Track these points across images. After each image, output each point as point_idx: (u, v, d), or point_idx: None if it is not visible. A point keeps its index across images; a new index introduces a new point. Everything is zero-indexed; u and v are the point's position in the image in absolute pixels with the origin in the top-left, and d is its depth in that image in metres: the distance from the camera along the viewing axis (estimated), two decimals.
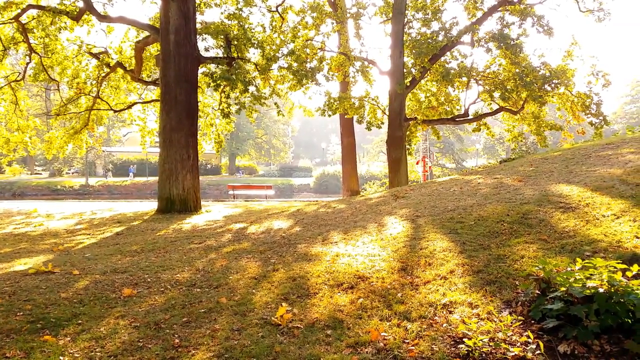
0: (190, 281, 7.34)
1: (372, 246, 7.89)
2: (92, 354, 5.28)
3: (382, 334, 5.06)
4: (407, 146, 23.91)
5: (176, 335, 5.56)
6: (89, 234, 12.06)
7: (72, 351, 5.37)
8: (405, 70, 22.10)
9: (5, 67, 20.94)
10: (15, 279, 7.81)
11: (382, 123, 25.42)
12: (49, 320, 6.13)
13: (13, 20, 18.37)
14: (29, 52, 19.65)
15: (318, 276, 6.88)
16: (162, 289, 7.04)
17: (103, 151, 54.91)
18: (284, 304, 6.07)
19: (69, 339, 5.66)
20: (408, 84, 22.24)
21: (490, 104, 24.04)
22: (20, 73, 21.13)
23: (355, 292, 6.21)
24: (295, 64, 21.13)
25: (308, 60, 23.00)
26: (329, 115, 24.40)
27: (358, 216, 10.53)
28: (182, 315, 6.06)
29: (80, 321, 6.08)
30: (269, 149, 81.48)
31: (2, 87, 20.11)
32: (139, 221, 13.99)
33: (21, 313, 6.40)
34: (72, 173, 61.45)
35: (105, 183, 49.68)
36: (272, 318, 5.71)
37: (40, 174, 63.60)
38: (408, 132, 23.66)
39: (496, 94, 22.41)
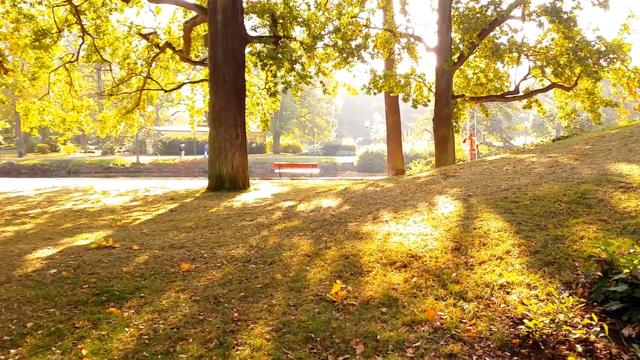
0: (245, 257, 7.52)
1: (424, 225, 7.86)
2: (156, 325, 5.52)
3: (438, 313, 5.08)
4: (454, 124, 23.47)
5: (235, 310, 5.74)
6: (145, 211, 12.48)
7: (136, 323, 5.63)
8: (452, 47, 21.61)
9: (60, 49, 21.60)
10: (79, 253, 8.19)
11: (429, 101, 25.01)
12: (112, 293, 6.43)
13: (66, 3, 18.90)
14: (81, 33, 20.20)
15: (370, 254, 6.93)
16: (219, 265, 7.25)
17: (155, 131, 56.28)
18: (338, 281, 6.16)
19: (132, 311, 5.93)
20: (456, 61, 21.75)
21: (542, 80, 23.26)
22: (73, 54, 21.78)
23: (408, 271, 6.23)
24: (340, 42, 20.98)
25: (353, 37, 22.76)
26: (374, 94, 24.18)
27: (407, 195, 10.49)
28: (240, 290, 6.24)
29: (142, 294, 6.35)
30: (313, 127, 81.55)
31: (57, 68, 20.79)
32: (191, 198, 14.36)
33: (86, 286, 6.73)
34: (123, 152, 63.35)
35: (156, 161, 51.00)
36: (327, 295, 5.81)
37: (93, 152, 65.86)
38: (455, 110, 23.21)
39: (548, 70, 21.64)
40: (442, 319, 4.98)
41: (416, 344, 4.60)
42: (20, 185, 21.45)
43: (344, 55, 21.12)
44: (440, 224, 7.79)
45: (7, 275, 7.21)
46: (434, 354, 4.44)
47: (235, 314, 5.61)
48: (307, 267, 6.81)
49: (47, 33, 17.95)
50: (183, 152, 56.12)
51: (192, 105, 25.03)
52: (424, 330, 4.83)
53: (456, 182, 10.90)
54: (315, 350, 4.71)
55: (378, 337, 4.77)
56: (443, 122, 21.83)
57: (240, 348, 4.90)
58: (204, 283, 6.57)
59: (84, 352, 5.04)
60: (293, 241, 8.19)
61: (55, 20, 18.74)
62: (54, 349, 5.17)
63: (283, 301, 5.85)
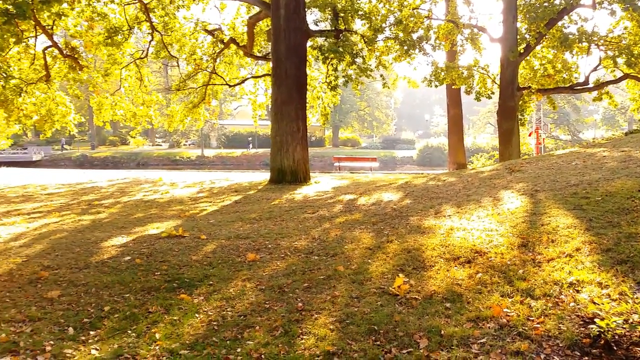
0: (308, 249, 7.66)
1: (489, 221, 7.72)
2: (224, 312, 5.74)
3: (504, 310, 5.01)
4: (520, 117, 22.74)
5: (299, 300, 5.88)
6: (210, 202, 12.90)
7: (206, 309, 5.87)
8: (518, 37, 20.92)
9: (131, 46, 22.53)
10: (151, 242, 8.59)
11: (492, 93, 24.34)
12: (183, 280, 6.72)
13: (136, 1, 19.71)
14: (150, 30, 21.00)
15: (433, 249, 6.89)
16: (283, 255, 7.43)
17: (219, 125, 57.79)
18: (400, 274, 6.18)
19: (202, 298, 6.18)
20: (522, 51, 21.05)
21: (614, 70, 22.12)
22: (143, 51, 22.69)
23: (472, 267, 6.16)
24: (401, 34, 20.77)
25: (414, 29, 22.46)
26: (436, 86, 23.77)
27: (471, 189, 10.31)
28: (303, 281, 6.37)
29: (211, 282, 6.61)
30: (372, 121, 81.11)
31: (128, 64, 21.73)
32: (254, 190, 14.71)
33: (158, 273, 7.07)
34: (189, 145, 65.49)
35: (219, 154, 52.44)
36: (390, 288, 5.84)
37: (161, 145, 68.46)
38: (520, 102, 22.47)
39: (620, 60, 20.55)
40: (509, 316, 4.91)
41: (481, 340, 4.57)
42: (94, 176, 22.64)
43: (405, 47, 20.91)
44: (505, 219, 7.63)
45: (85, 262, 7.68)
46: (500, 351, 4.39)
47: (300, 304, 5.74)
48: (369, 260, 6.86)
49: (118, 31, 18.79)
50: (251, 145, 57.35)
51: (255, 99, 25.53)
52: (489, 327, 4.78)
53: (522, 176, 10.61)
54: (378, 343, 4.76)
55: (442, 331, 4.77)
56: (508, 114, 21.21)
57: (305, 337, 5.02)
58: (269, 273, 6.76)
59: (157, 335, 5.31)
60: (354, 234, 8.25)
61: (126, 18, 19.57)
62: (129, 332, 5.48)
63: (346, 293, 5.93)
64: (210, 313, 5.75)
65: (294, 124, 16.74)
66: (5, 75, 13.31)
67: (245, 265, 7.10)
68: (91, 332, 5.51)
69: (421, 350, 4.52)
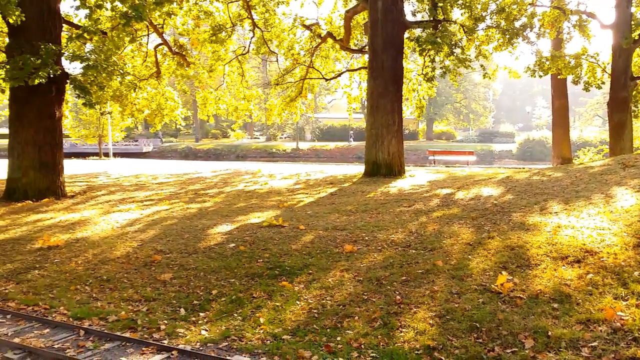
0: (405, 242, 7.62)
1: (600, 219, 7.26)
2: (324, 301, 5.88)
3: (617, 313, 4.71)
4: (633, 109, 21.00)
5: (397, 292, 5.89)
6: (307, 193, 13.18)
7: (306, 297, 6.05)
8: (632, 22, 19.31)
9: (233, 42, 23.44)
10: (253, 230, 8.95)
11: (603, 83, 22.65)
12: (284, 268, 6.96)
13: None
14: (252, 27, 21.72)
15: (538, 247, 6.60)
16: (380, 248, 7.45)
17: (314, 118, 58.64)
18: (503, 272, 5.98)
19: (302, 286, 6.37)
20: (636, 38, 19.42)
21: None
22: (245, 47, 23.53)
23: (582, 267, 5.83)
24: (503, 23, 19.89)
25: (517, 17, 21.40)
26: (540, 76, 22.52)
27: (579, 185, 9.72)
28: (401, 274, 6.37)
29: (310, 271, 6.79)
30: (468, 113, 78.44)
31: (231, 60, 22.64)
32: (348, 183, 14.82)
33: (261, 260, 7.36)
34: (284, 138, 67.13)
35: (313, 147, 53.30)
36: (492, 285, 5.68)
37: (258, 138, 70.80)
38: (634, 93, 20.75)
39: None
40: (623, 319, 4.62)
41: (592, 344, 4.34)
42: (198, 167, 23.91)
43: (507, 36, 19.98)
44: (619, 217, 7.13)
45: (194, 247, 8.17)
46: (613, 355, 4.16)
47: (398, 297, 5.75)
48: (469, 256, 6.71)
49: (222, 28, 19.62)
50: (352, 138, 57.70)
51: (350, 92, 25.63)
52: (601, 330, 4.53)
53: (637, 172, 9.84)
54: (480, 340, 4.67)
55: (549, 333, 4.58)
56: (619, 106, 19.67)
57: (404, 330, 5.03)
58: (366, 264, 6.82)
59: (261, 320, 5.56)
60: (453, 229, 8.09)
61: (229, 16, 20.39)
62: (235, 315, 5.78)
63: (445, 288, 5.85)
64: (311, 301, 5.91)
65: (389, 117, 16.63)
66: (121, 72, 14.37)
67: (343, 256, 7.20)
68: (201, 314, 5.88)
69: (527, 351, 4.38)
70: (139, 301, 6.35)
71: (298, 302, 5.91)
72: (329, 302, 5.84)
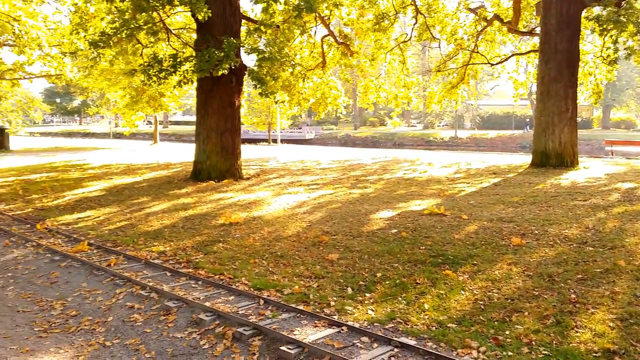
0: (580, 239, 7.13)
1: None
2: (490, 294, 5.78)
3: None
4: None
5: (571, 291, 5.56)
6: (468, 183, 12.86)
7: (471, 288, 5.99)
8: None
9: (395, 30, 23.48)
10: (414, 217, 9.02)
11: None
12: (447, 257, 6.94)
13: None
14: (415, 13, 21.54)
15: None
16: (551, 243, 7.06)
17: (477, 105, 56.49)
18: None
19: (466, 276, 6.31)
20: None
21: None
22: (407, 34, 23.44)
23: None
24: None
25: None
26: None
27: None
28: (576, 272, 5.99)
29: (475, 262, 6.69)
30: None
31: (392, 48, 22.73)
32: (513, 174, 14.14)
33: (423, 247, 7.42)
34: (442, 126, 65.71)
35: (473, 135, 51.38)
36: None
37: (415, 126, 70.20)
38: None
39: None
40: None
41: None
42: (358, 154, 24.52)
43: None
44: None
45: (358, 231, 8.49)
46: None
47: (573, 296, 5.44)
48: None
49: (385, 16, 19.79)
50: (528, 126, 54.65)
51: (516, 78, 24.23)
52: None
53: None
54: None
55: None
56: None
57: (579, 330, 4.76)
58: (536, 259, 6.52)
59: (425, 306, 5.65)
60: (637, 226, 7.36)
61: (393, 4, 20.46)
62: (399, 299, 5.94)
63: (628, 290, 5.39)
64: (476, 292, 5.85)
65: (562, 103, 15.45)
66: (292, 63, 15.27)
67: (510, 249, 6.97)
68: (367, 294, 6.14)
69: None
70: (309, 277, 6.82)
71: (463, 292, 5.88)
72: (495, 294, 5.72)
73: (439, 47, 23.95)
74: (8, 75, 39.30)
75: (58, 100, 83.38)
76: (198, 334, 5.36)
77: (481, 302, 5.58)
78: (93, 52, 14.45)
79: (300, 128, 59.08)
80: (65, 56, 23.95)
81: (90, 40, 13.68)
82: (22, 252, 8.67)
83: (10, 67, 39.11)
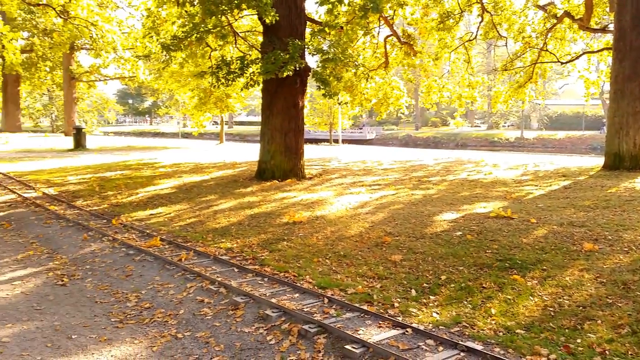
0: None
1: None
2: (560, 300, 5.63)
3: None
4: None
5: None
6: (536, 185, 12.48)
7: (540, 293, 5.85)
8: None
9: (459, 29, 23.06)
10: (479, 220, 8.87)
11: None
12: (515, 262, 6.80)
13: None
14: (480, 12, 21.09)
15: None
16: (626, 249, 6.77)
17: (544, 105, 54.55)
18: None
19: (535, 281, 6.17)
20: None
21: None
22: (472, 33, 22.98)
23: None
24: None
25: None
26: None
27: None
28: None
29: (544, 267, 6.51)
30: None
31: (457, 47, 22.35)
32: (584, 176, 13.60)
33: (489, 251, 7.30)
34: (507, 126, 63.87)
35: (540, 136, 49.65)
36: None
37: (479, 126, 68.58)
38: None
39: None
40: None
41: None
42: (420, 155, 24.28)
43: None
44: None
45: (421, 232, 8.45)
46: None
47: None
48: None
49: (450, 15, 19.50)
50: (605, 127, 52.19)
51: (587, 77, 23.23)
52: None
53: None
54: None
55: None
56: None
57: None
58: (610, 266, 6.28)
59: (492, 310, 5.57)
60: None
61: (458, 2, 20.12)
62: (465, 302, 5.89)
63: None
64: (546, 298, 5.71)
65: (637, 103, 14.70)
66: (356, 64, 15.36)
67: (582, 255, 6.73)
68: (431, 297, 6.13)
69: None
70: (372, 278, 6.87)
71: (531, 298, 5.76)
72: (566, 301, 5.57)
73: (506, 45, 23.34)
74: (85, 78, 41.69)
75: (130, 101, 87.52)
76: (265, 330, 5.53)
77: (551, 309, 5.45)
78: (165, 55, 15.10)
79: (361, 128, 59.13)
80: (139, 59, 25.12)
81: (162, 43, 14.30)
82: (99, 246, 9.20)
83: (87, 69, 41.51)
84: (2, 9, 24.64)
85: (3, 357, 5.02)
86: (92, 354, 5.18)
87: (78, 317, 6.10)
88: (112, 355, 5.14)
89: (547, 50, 21.36)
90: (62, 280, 7.48)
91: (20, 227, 10.86)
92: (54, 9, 23.44)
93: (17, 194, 14.31)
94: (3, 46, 26.44)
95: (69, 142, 30.20)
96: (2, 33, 25.22)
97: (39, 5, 24.50)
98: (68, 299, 6.73)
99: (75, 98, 41.63)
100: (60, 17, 24.37)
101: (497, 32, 21.22)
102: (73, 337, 5.55)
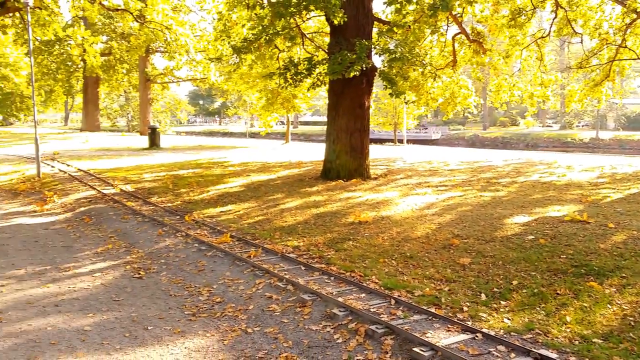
0: None
1: None
2: None
3: None
4: None
5: None
6: (614, 188, 11.87)
7: (619, 302, 5.59)
8: None
9: (532, 26, 22.23)
10: (553, 224, 8.56)
11: None
12: (591, 268, 6.52)
13: None
14: (554, 7, 20.26)
15: None
16: None
17: (622, 104, 51.63)
18: None
19: (614, 289, 5.90)
20: None
21: None
22: (545, 30, 22.11)
23: None
24: None
25: None
26: None
27: None
28: None
29: (623, 274, 6.22)
30: None
31: (528, 44, 21.58)
32: None
33: (564, 256, 7.04)
34: (582, 126, 60.91)
35: (617, 137, 47.03)
36: None
37: (551, 126, 65.74)
38: None
39: None
40: None
41: None
42: (488, 155, 23.64)
43: None
44: None
45: (491, 235, 8.26)
46: None
47: None
48: None
49: (522, 11, 18.84)
50: None
51: None
52: None
53: None
54: None
55: None
56: None
57: None
58: None
59: (567, 318, 5.38)
60: None
61: None
62: (538, 309, 5.71)
63: None
64: (625, 307, 5.46)
65: None
66: (423, 63, 15.17)
67: None
68: (502, 302, 5.99)
69: None
70: (440, 280, 6.79)
71: (609, 306, 5.52)
72: None
73: (581, 42, 22.35)
74: (159, 79, 43.49)
75: (201, 102, 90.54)
76: (332, 328, 5.60)
77: (631, 318, 5.20)
78: (235, 57, 15.50)
79: (426, 128, 58.26)
80: (211, 61, 25.90)
81: (233, 46, 14.70)
82: (173, 241, 9.59)
83: (161, 71, 43.30)
84: (84, 15, 26.11)
85: (85, 345, 5.36)
86: (167, 345, 5.43)
87: (153, 309, 6.41)
88: (185, 347, 5.37)
89: (625, 47, 20.21)
90: (139, 273, 7.88)
91: (99, 222, 11.52)
92: (131, 13, 24.55)
93: (97, 190, 15.15)
94: (85, 50, 28.07)
95: (144, 141, 31.60)
96: (84, 37, 26.78)
97: (117, 10, 25.73)
98: (144, 292, 7.09)
99: (150, 99, 43.52)
100: (137, 22, 25.51)
101: (572, 28, 20.30)
102: (149, 328, 5.84)
